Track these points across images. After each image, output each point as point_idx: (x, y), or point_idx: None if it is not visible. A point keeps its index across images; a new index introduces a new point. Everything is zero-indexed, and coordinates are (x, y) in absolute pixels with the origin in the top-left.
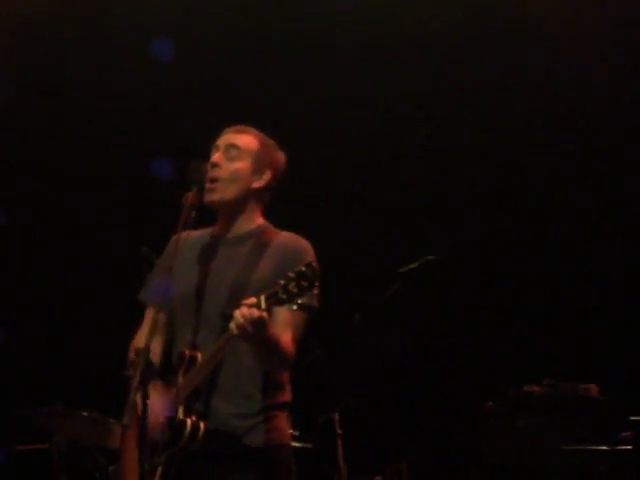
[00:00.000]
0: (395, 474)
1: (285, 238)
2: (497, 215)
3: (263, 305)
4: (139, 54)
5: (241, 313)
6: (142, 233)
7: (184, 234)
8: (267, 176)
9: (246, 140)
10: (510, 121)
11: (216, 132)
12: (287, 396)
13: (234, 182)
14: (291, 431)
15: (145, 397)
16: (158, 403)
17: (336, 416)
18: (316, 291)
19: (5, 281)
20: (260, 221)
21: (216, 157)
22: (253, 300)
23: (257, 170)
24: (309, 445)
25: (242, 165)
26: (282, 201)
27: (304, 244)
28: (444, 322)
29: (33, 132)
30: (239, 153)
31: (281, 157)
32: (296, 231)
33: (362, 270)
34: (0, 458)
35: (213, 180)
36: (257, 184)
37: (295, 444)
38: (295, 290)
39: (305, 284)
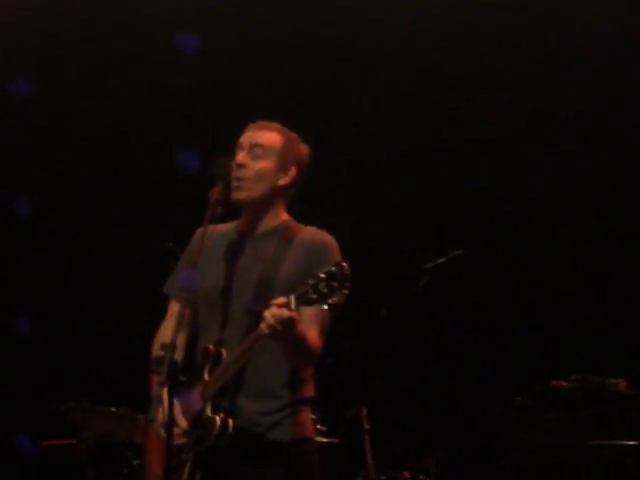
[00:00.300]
0: (423, 469)
1: (309, 234)
2: (525, 207)
3: (293, 305)
4: (163, 47)
5: (271, 313)
6: (168, 228)
7: (209, 228)
8: (292, 172)
9: (270, 137)
10: (537, 114)
11: (242, 126)
12: (311, 391)
13: (260, 181)
14: (319, 426)
15: (171, 392)
16: (183, 399)
17: (363, 411)
18: (346, 291)
19: (35, 274)
20: (284, 217)
21: (241, 157)
22: (283, 300)
23: (282, 167)
24: (336, 440)
25: (267, 164)
26: (309, 195)
27: (328, 239)
28: (471, 316)
29: (59, 125)
30: (263, 152)
31: (305, 151)
32: (322, 225)
33: (390, 265)
34: (26, 449)
35: (239, 179)
36: (283, 181)
37: (322, 439)
38: (325, 290)
39: (336, 284)
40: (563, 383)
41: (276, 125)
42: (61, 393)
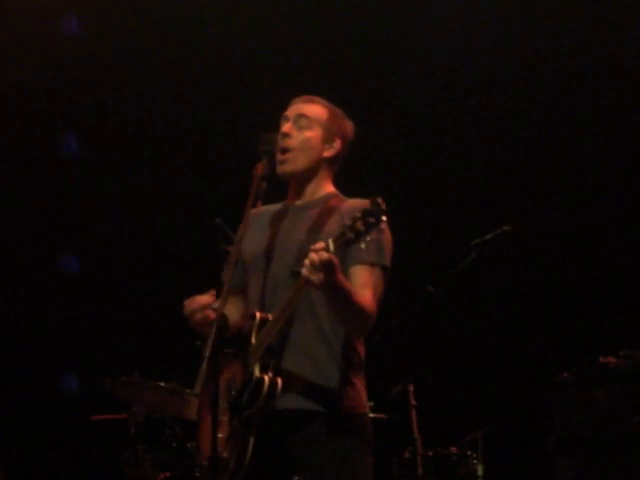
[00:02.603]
0: (470, 445)
1: (353, 202)
2: (575, 184)
3: (331, 247)
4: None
5: (310, 258)
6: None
7: (261, 209)
8: (337, 145)
9: (315, 109)
10: (581, 97)
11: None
12: (362, 366)
13: (305, 151)
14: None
15: (217, 366)
16: (229, 372)
17: (411, 387)
18: (383, 226)
19: (90, 256)
20: (330, 189)
21: (287, 127)
22: (321, 244)
23: (327, 139)
24: (384, 416)
25: (313, 134)
26: (355, 173)
27: None
28: (519, 292)
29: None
30: (309, 122)
31: (350, 126)
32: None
33: (437, 241)
34: (72, 386)
35: (285, 150)
36: (327, 153)
37: (370, 415)
38: (362, 228)
39: (372, 220)
40: (611, 359)
41: (321, 99)
42: (110, 368)
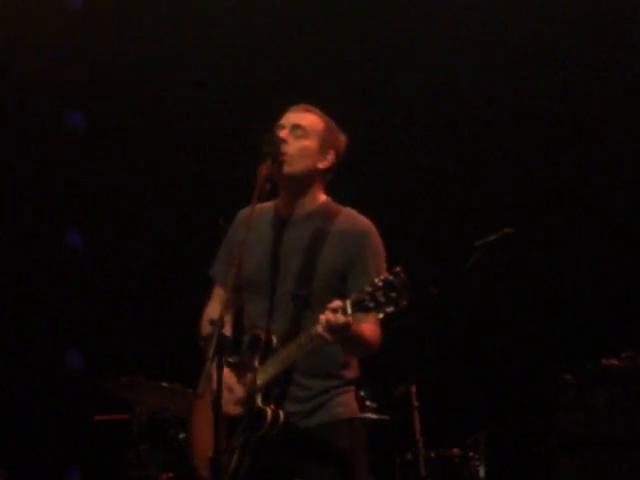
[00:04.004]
0: (472, 446)
1: (346, 221)
2: (579, 185)
3: (349, 311)
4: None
5: (326, 318)
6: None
7: (247, 211)
8: (331, 157)
9: (311, 120)
10: (591, 92)
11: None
12: (355, 372)
13: (302, 158)
14: (368, 403)
15: (220, 367)
16: (231, 378)
17: (413, 388)
18: (404, 302)
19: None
20: (322, 198)
21: (283, 133)
22: (339, 304)
23: (322, 150)
24: (386, 417)
25: (309, 143)
26: (357, 173)
27: (364, 225)
28: (522, 294)
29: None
30: (304, 133)
31: (343, 139)
32: (372, 204)
33: (440, 242)
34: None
35: (282, 153)
36: (322, 164)
37: (372, 416)
38: (383, 300)
39: (394, 295)
40: (613, 361)
41: (316, 109)
42: (113, 368)
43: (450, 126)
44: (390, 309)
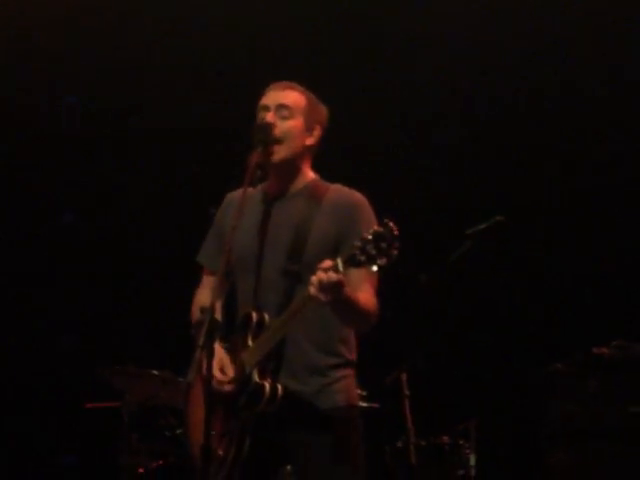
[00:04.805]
0: (462, 434)
1: (337, 193)
2: (568, 175)
3: (340, 268)
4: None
5: (318, 277)
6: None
7: (236, 194)
8: (317, 132)
9: (294, 97)
10: (587, 87)
11: None
12: (354, 354)
13: (292, 139)
14: (359, 391)
15: (210, 355)
16: (225, 359)
17: (403, 377)
18: (396, 252)
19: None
20: (311, 175)
21: (269, 117)
22: (330, 263)
23: (308, 127)
24: (376, 405)
25: (296, 123)
26: (351, 158)
27: (356, 198)
28: (512, 282)
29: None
30: (290, 112)
31: (325, 111)
32: (366, 189)
33: (430, 230)
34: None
35: (275, 140)
36: (309, 141)
37: (362, 404)
38: (374, 252)
39: (384, 245)
40: (604, 350)
41: (297, 85)
42: (105, 357)
43: (440, 114)
44: (382, 261)
